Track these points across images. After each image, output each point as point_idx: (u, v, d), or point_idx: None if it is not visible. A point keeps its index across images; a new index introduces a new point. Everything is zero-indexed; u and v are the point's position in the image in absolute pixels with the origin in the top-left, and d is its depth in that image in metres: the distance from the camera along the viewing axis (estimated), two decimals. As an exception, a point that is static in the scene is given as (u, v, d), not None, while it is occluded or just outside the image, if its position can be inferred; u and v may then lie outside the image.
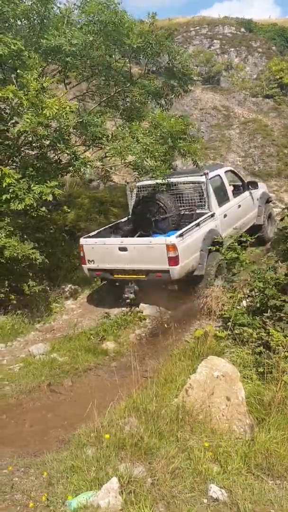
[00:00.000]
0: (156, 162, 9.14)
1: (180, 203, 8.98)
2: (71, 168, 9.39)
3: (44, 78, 7.95)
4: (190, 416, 4.12)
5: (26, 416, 4.83)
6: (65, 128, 8.01)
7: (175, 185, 9.03)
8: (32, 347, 6.83)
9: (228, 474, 3.48)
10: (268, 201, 11.54)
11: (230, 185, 9.86)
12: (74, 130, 9.24)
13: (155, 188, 9.05)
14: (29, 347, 6.91)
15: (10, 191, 7.77)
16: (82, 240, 8.45)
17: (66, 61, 8.58)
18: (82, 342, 6.95)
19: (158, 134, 9.48)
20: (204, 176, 8.65)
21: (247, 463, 3.65)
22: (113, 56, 10.24)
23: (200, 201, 8.84)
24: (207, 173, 8.65)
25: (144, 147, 8.30)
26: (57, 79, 9.43)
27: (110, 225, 9.44)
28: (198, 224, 8.06)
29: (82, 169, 9.17)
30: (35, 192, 7.83)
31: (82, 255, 8.40)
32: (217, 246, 8.02)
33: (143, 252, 7.66)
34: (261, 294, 6.62)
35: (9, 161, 8.85)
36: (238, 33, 37.67)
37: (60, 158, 9.55)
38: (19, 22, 8.40)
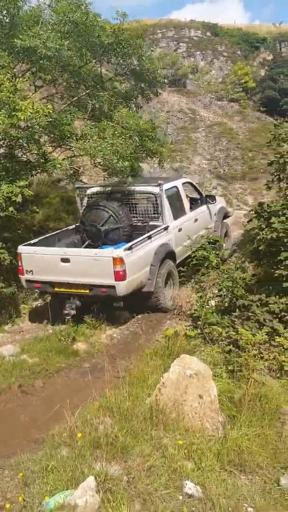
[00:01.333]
0: (124, 162, 9.19)
1: (133, 213, 8.46)
2: (40, 168, 9.33)
3: (17, 79, 7.85)
4: (164, 414, 4.17)
5: (-3, 418, 4.77)
6: (36, 129, 7.96)
7: (128, 194, 8.54)
8: (1, 348, 6.73)
9: (202, 471, 3.55)
10: (225, 216, 11.21)
11: (187, 197, 9.56)
12: (43, 129, 9.17)
13: (107, 196, 8.62)
14: (-3, 349, 6.81)
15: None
16: (20, 248, 7.71)
17: (39, 63, 8.49)
18: (52, 343, 6.88)
19: (127, 134, 9.55)
20: (158, 187, 8.17)
21: (220, 459, 3.73)
22: (83, 57, 10.22)
23: (154, 213, 8.36)
24: (162, 184, 8.17)
25: (114, 147, 8.30)
26: (28, 79, 9.32)
27: (56, 232, 8.74)
28: (149, 237, 7.60)
29: (51, 170, 9.14)
30: (4, 192, 7.74)
31: (19, 264, 7.67)
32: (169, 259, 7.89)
33: (87, 265, 7.06)
34: (230, 293, 6.75)
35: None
36: (204, 36, 38.23)
37: (29, 158, 9.46)
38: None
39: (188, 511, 3.02)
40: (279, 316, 6.28)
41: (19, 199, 7.82)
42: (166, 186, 8.46)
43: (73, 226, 9.09)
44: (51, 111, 8.04)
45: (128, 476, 3.33)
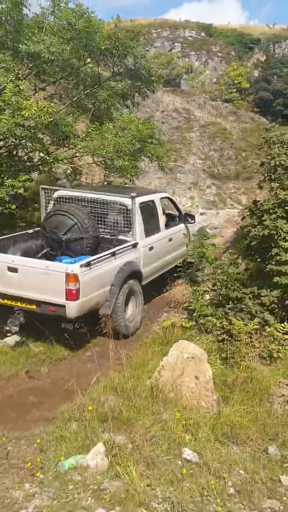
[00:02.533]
0: (125, 162, 9.61)
1: (102, 224, 7.63)
2: (42, 165, 9.73)
3: (20, 81, 8.21)
4: (163, 393, 4.58)
5: (8, 400, 5.14)
6: (39, 128, 8.33)
7: (99, 203, 7.69)
8: (7, 338, 7.07)
9: (198, 441, 3.95)
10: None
11: (164, 214, 8.85)
12: (45, 129, 9.56)
13: (75, 202, 7.76)
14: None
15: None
16: None
17: (42, 66, 8.87)
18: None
19: (128, 137, 9.96)
20: (131, 200, 7.40)
21: (214, 432, 4.15)
22: (82, 59, 10.60)
23: (125, 227, 7.59)
24: (134, 197, 7.38)
25: (117, 146, 8.68)
26: (31, 81, 9.70)
27: (12, 235, 7.63)
28: (113, 254, 6.85)
29: (54, 165, 9.53)
30: (6, 186, 8.15)
31: None
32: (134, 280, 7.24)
33: (37, 278, 6.23)
34: (224, 287, 7.16)
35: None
36: (198, 37, 38.64)
37: (32, 156, 9.85)
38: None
39: (187, 472, 3.42)
40: (270, 308, 6.71)
41: (21, 191, 8.25)
42: (141, 199, 7.73)
43: (31, 230, 7.94)
44: (54, 110, 8.43)
45: (132, 444, 3.73)
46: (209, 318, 6.95)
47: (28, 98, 8.02)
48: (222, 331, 6.47)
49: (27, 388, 5.46)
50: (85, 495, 3.06)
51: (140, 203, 7.64)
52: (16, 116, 7.62)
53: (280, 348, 6.06)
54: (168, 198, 9.37)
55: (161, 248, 8.31)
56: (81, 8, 9.41)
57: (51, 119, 9.00)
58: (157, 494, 3.12)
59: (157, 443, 3.83)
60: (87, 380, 5.23)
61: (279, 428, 4.34)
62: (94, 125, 10.03)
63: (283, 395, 4.91)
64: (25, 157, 9.68)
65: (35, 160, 9.70)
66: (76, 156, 10.72)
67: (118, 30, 10.27)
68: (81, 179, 13.49)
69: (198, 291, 7.73)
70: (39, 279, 6.21)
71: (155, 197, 8.43)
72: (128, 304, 7.26)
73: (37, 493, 3.07)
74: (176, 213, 9.64)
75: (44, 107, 7.81)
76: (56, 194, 8.00)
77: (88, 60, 10.64)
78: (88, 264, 6.21)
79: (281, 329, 6.26)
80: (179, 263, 8.67)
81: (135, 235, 7.50)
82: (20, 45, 8.60)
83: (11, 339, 6.90)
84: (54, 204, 7.94)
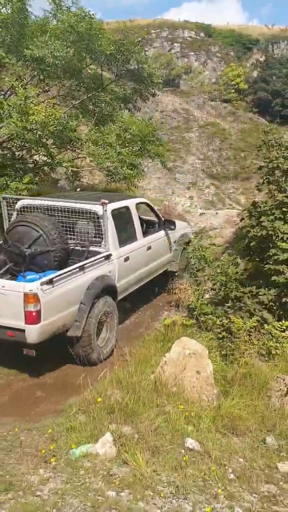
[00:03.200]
0: (128, 169, 9.89)
1: (71, 235, 6.88)
2: (46, 168, 9.98)
3: (26, 86, 8.43)
4: (166, 387, 4.82)
5: (17, 394, 5.37)
6: (45, 133, 8.57)
7: (67, 211, 6.87)
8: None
9: (200, 432, 4.19)
10: (188, 244, 9.28)
11: (141, 221, 8.07)
12: (50, 134, 9.82)
13: (41, 211, 6.97)
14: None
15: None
16: None
17: (47, 70, 9.10)
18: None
19: (128, 137, 10.22)
20: (102, 207, 6.67)
21: (215, 424, 4.38)
22: (85, 62, 10.84)
23: (96, 237, 6.84)
24: (105, 203, 6.64)
25: (121, 157, 8.92)
26: (37, 85, 9.94)
27: None
28: (82, 268, 6.03)
29: (56, 168, 9.78)
30: (11, 188, 8.39)
31: None
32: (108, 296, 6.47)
33: None
34: (224, 287, 7.39)
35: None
36: (197, 37, 38.87)
37: (36, 159, 10.10)
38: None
39: (190, 460, 3.65)
40: (268, 306, 6.96)
41: (24, 193, 8.47)
42: (113, 206, 6.99)
43: None
44: (60, 115, 8.67)
45: (138, 434, 3.96)
46: (209, 316, 7.19)
47: (38, 103, 8.24)
48: (222, 329, 6.71)
49: (34, 383, 5.68)
50: (96, 480, 3.28)
51: (113, 210, 6.89)
52: (24, 120, 7.84)
53: (278, 345, 6.29)
54: (145, 203, 8.58)
55: (138, 258, 7.57)
56: (83, 11, 9.65)
57: (57, 124, 9.27)
58: (162, 479, 3.35)
59: (161, 433, 4.05)
60: (92, 375, 5.45)
61: (277, 420, 4.57)
62: (97, 127, 10.26)
63: (280, 389, 5.14)
64: (30, 160, 9.91)
65: (39, 162, 9.93)
66: (78, 158, 10.95)
67: (124, 37, 10.53)
68: (82, 181, 13.73)
69: (198, 290, 7.98)
70: None
71: (130, 203, 7.66)
72: (101, 326, 6.44)
73: (51, 477, 3.29)
74: (155, 219, 8.81)
75: (51, 114, 8.02)
76: (19, 204, 7.18)
77: (90, 63, 10.89)
78: (50, 282, 5.41)
79: (279, 327, 6.50)
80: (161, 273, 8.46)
81: (107, 246, 6.74)
82: (25, 50, 8.82)
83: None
84: (17, 214, 7.14)
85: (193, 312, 7.55)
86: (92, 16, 9.40)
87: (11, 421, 4.44)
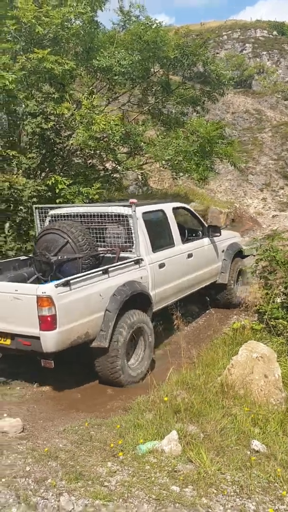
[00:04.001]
0: (190, 163, 9.97)
1: (102, 241, 6.59)
2: (115, 174, 10.33)
3: (93, 96, 8.79)
4: (233, 390, 4.82)
5: (89, 391, 5.62)
6: (112, 139, 8.89)
7: (95, 216, 6.62)
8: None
9: (266, 435, 4.15)
10: (238, 255, 9.00)
11: (181, 227, 7.78)
12: (117, 141, 10.17)
13: (71, 218, 6.81)
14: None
15: (61, 195, 8.73)
16: None
17: (114, 79, 9.44)
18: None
19: (196, 140, 10.30)
20: (130, 208, 6.32)
21: (283, 427, 4.32)
22: (153, 68, 11.09)
23: (127, 242, 6.47)
24: (134, 203, 6.29)
25: (178, 148, 9.03)
26: (105, 94, 10.33)
27: (2, 261, 6.85)
28: (106, 271, 5.65)
29: (124, 174, 10.09)
30: (83, 194, 8.79)
31: None
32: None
33: (7, 305, 5.20)
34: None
35: (62, 170, 9.78)
36: (270, 36, 38.10)
37: (106, 166, 10.49)
38: (70, 44, 9.26)
39: (255, 461, 3.65)
40: None
41: (96, 197, 8.84)
42: (145, 208, 6.72)
43: (25, 256, 7.09)
44: (119, 121, 8.96)
45: (204, 434, 4.01)
46: (280, 320, 7.07)
47: (101, 112, 8.59)
48: (293, 333, 6.58)
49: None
50: (161, 475, 3.39)
51: (144, 213, 6.57)
52: (89, 130, 8.19)
53: None
54: (185, 208, 8.16)
55: (177, 266, 7.10)
56: (150, 20, 9.92)
57: (123, 130, 9.58)
58: (227, 478, 3.39)
59: (227, 434, 4.08)
60: (160, 376, 5.58)
61: None
62: (164, 133, 10.47)
63: None
64: (100, 167, 10.31)
65: (109, 169, 10.30)
66: (146, 163, 11.20)
67: (186, 42, 10.68)
68: (151, 186, 14.01)
69: (269, 293, 7.86)
70: (10, 306, 5.17)
71: (165, 207, 7.29)
72: (133, 342, 5.98)
73: (118, 470, 3.44)
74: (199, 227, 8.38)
75: (111, 121, 8.31)
76: (51, 213, 7.11)
77: (157, 69, 11.12)
78: (66, 284, 5.06)
79: None
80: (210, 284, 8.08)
81: (137, 249, 6.35)
82: (94, 61, 9.22)
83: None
84: (49, 222, 7.05)
85: (263, 316, 7.46)
86: (158, 24, 9.62)
87: (82, 417, 4.67)
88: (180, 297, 7.31)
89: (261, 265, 8.26)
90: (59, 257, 6.06)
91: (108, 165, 10.51)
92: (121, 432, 4.06)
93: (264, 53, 36.68)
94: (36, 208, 7.34)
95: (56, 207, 7.28)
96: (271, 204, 22.30)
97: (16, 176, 8.36)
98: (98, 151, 9.60)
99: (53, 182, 8.59)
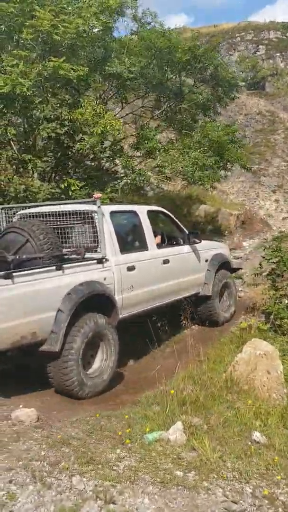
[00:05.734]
0: (203, 172, 10.26)
1: (66, 241, 6.22)
2: (126, 177, 10.64)
3: (97, 103, 9.13)
4: (237, 385, 5.08)
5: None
6: (117, 142, 9.21)
7: (60, 215, 6.19)
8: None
9: (267, 427, 4.40)
10: (224, 266, 8.51)
11: (157, 232, 7.49)
12: (130, 144, 10.49)
13: (37, 218, 6.39)
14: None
15: (73, 197, 9.04)
16: None
17: (125, 85, 9.75)
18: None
19: (207, 145, 10.56)
20: (95, 204, 5.91)
21: (283, 421, 4.58)
22: (165, 74, 11.37)
23: (93, 241, 6.07)
24: (98, 198, 5.90)
25: (194, 160, 9.32)
26: (118, 100, 10.66)
27: None
28: (60, 268, 5.28)
29: (137, 179, 10.38)
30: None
31: None
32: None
33: None
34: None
35: (74, 172, 10.10)
36: (284, 37, 38.06)
37: (116, 169, 10.81)
38: (85, 51, 9.56)
39: (255, 450, 3.89)
40: None
41: (107, 201, 9.15)
42: (114, 207, 6.53)
43: None
44: (121, 126, 9.26)
45: (207, 425, 4.26)
46: (286, 320, 7.29)
47: (103, 116, 8.90)
48: (298, 332, 6.80)
49: (115, 377, 6.17)
50: (166, 461, 3.64)
51: (112, 212, 6.24)
52: (93, 134, 8.53)
53: None
54: (163, 212, 7.73)
55: (149, 271, 6.66)
56: (162, 27, 10.21)
57: (135, 134, 9.90)
58: (227, 465, 3.63)
59: (230, 426, 4.33)
60: (167, 372, 5.83)
61: None
62: (178, 138, 10.77)
63: None
64: (112, 170, 10.64)
65: (120, 172, 10.60)
66: (158, 166, 11.48)
67: (197, 45, 10.95)
68: (163, 187, 14.28)
69: (275, 294, 8.08)
70: None
71: (139, 209, 6.97)
72: (94, 349, 5.59)
73: (126, 456, 3.70)
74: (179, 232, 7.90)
75: (112, 123, 8.59)
76: (18, 213, 6.81)
77: (171, 76, 11.41)
78: (7, 276, 4.67)
79: None
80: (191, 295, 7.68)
81: (103, 249, 5.92)
82: (106, 67, 9.53)
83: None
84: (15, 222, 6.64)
85: (269, 316, 7.67)
86: (170, 31, 9.91)
87: (93, 409, 4.93)
88: (156, 304, 6.89)
89: (267, 266, 8.49)
90: (17, 257, 5.65)
91: (120, 167, 10.80)
92: (130, 422, 4.32)
93: (278, 54, 36.67)
94: (1, 208, 6.97)
95: (22, 207, 7.03)
96: (283, 206, 22.39)
97: (31, 179, 8.67)
98: (108, 155, 9.93)
99: (67, 185, 8.90)
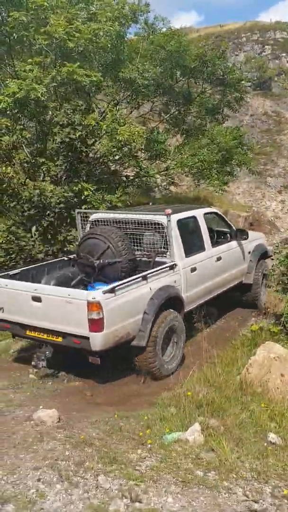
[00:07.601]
0: (211, 171, 10.40)
1: (137, 246, 7.08)
2: (137, 180, 10.78)
3: (117, 108, 9.26)
4: (251, 388, 5.19)
5: (118, 388, 6.03)
6: (134, 149, 9.33)
7: (133, 223, 7.08)
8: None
9: (282, 429, 4.52)
10: (264, 256, 9.37)
11: (211, 231, 8.05)
12: (140, 149, 10.62)
13: (111, 224, 7.31)
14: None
15: (87, 201, 9.18)
16: None
17: (138, 90, 9.88)
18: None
19: (216, 150, 10.70)
20: (166, 217, 6.68)
21: (298, 422, 4.68)
22: (175, 78, 11.51)
23: (162, 247, 6.94)
24: (169, 214, 6.65)
25: (201, 157, 9.48)
26: (129, 104, 10.80)
27: (46, 262, 7.52)
28: (145, 278, 6.13)
29: (147, 181, 10.53)
30: (107, 201, 9.25)
31: None
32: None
33: (59, 307, 5.78)
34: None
35: (87, 177, 10.25)
36: (290, 37, 38.08)
37: (128, 173, 10.95)
38: (98, 57, 9.69)
39: (271, 452, 4.01)
40: None
41: (119, 204, 9.29)
42: (179, 216, 7.09)
43: (68, 257, 7.67)
44: (144, 133, 9.40)
45: (224, 427, 4.39)
46: (297, 323, 7.40)
47: (125, 122, 9.01)
48: (309, 335, 6.90)
49: (132, 380, 6.30)
50: (186, 461, 3.77)
51: (178, 220, 6.96)
52: (113, 140, 8.64)
53: None
54: (215, 213, 8.55)
55: (207, 269, 7.49)
56: (172, 31, 10.33)
57: (144, 140, 10.03)
58: (245, 465, 3.76)
59: (245, 427, 4.45)
60: (182, 374, 5.96)
61: None
62: (186, 141, 10.90)
63: None
64: (123, 173, 10.76)
65: (131, 176, 10.74)
66: (167, 169, 11.63)
67: (204, 52, 11.08)
68: (171, 190, 14.42)
69: (286, 297, 8.19)
70: (62, 308, 5.76)
71: (197, 213, 7.67)
72: (167, 340, 6.50)
73: (147, 456, 3.83)
74: (227, 229, 8.68)
75: (136, 131, 8.72)
76: (92, 217, 7.63)
77: (180, 79, 11.54)
78: (112, 290, 5.60)
79: None
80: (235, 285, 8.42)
81: (172, 255, 6.78)
82: (120, 73, 9.67)
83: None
84: (90, 227, 7.56)
85: (280, 319, 7.78)
86: (180, 34, 10.03)
87: (111, 410, 5.07)
88: (209, 297, 7.71)
89: (279, 270, 8.58)
90: (101, 261, 6.62)
91: (130, 170, 10.94)
92: (148, 423, 4.46)
93: (284, 54, 36.66)
94: (78, 212, 7.87)
95: (97, 213, 7.82)
96: (289, 206, 22.49)
97: (45, 183, 8.81)
98: (120, 159, 10.05)
99: (79, 188, 9.05)
